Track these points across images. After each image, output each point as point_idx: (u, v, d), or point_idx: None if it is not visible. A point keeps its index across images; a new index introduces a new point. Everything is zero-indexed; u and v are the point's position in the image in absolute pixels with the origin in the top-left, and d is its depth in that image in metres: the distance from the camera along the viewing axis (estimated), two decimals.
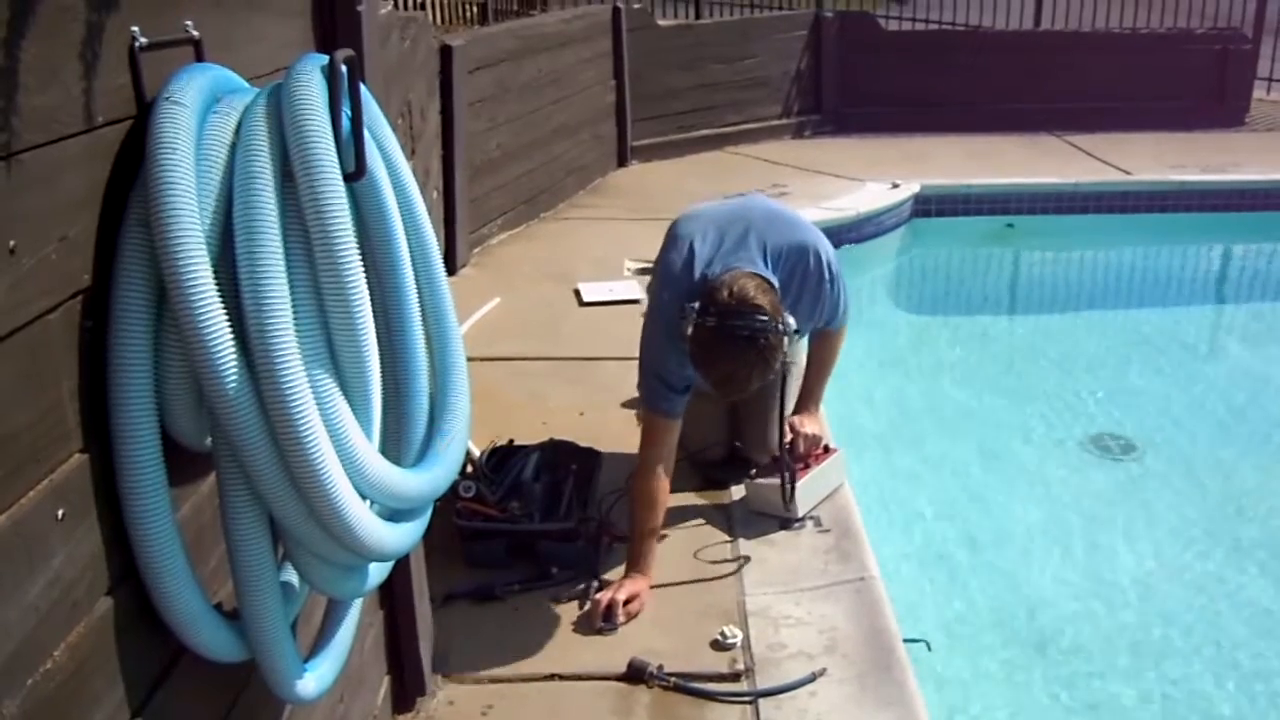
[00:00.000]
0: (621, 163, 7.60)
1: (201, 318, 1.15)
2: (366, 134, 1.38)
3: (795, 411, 3.33)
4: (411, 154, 3.92)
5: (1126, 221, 7.30)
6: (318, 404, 1.25)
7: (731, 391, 2.87)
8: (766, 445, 3.32)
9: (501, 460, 3.21)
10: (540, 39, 6.50)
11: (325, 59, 1.32)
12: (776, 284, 2.87)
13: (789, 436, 3.21)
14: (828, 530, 3.11)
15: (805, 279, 3.00)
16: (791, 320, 2.81)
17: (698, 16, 9.42)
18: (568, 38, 6.80)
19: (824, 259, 3.03)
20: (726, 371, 2.75)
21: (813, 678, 2.49)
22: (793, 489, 3.12)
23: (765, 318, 2.70)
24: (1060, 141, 8.56)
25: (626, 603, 2.75)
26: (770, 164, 7.70)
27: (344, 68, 1.31)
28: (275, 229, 1.22)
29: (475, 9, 7.51)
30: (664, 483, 2.92)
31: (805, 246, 3.00)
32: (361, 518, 1.32)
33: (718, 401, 3.22)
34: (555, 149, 6.68)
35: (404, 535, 1.47)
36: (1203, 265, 7.56)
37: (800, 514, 3.16)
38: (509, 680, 2.55)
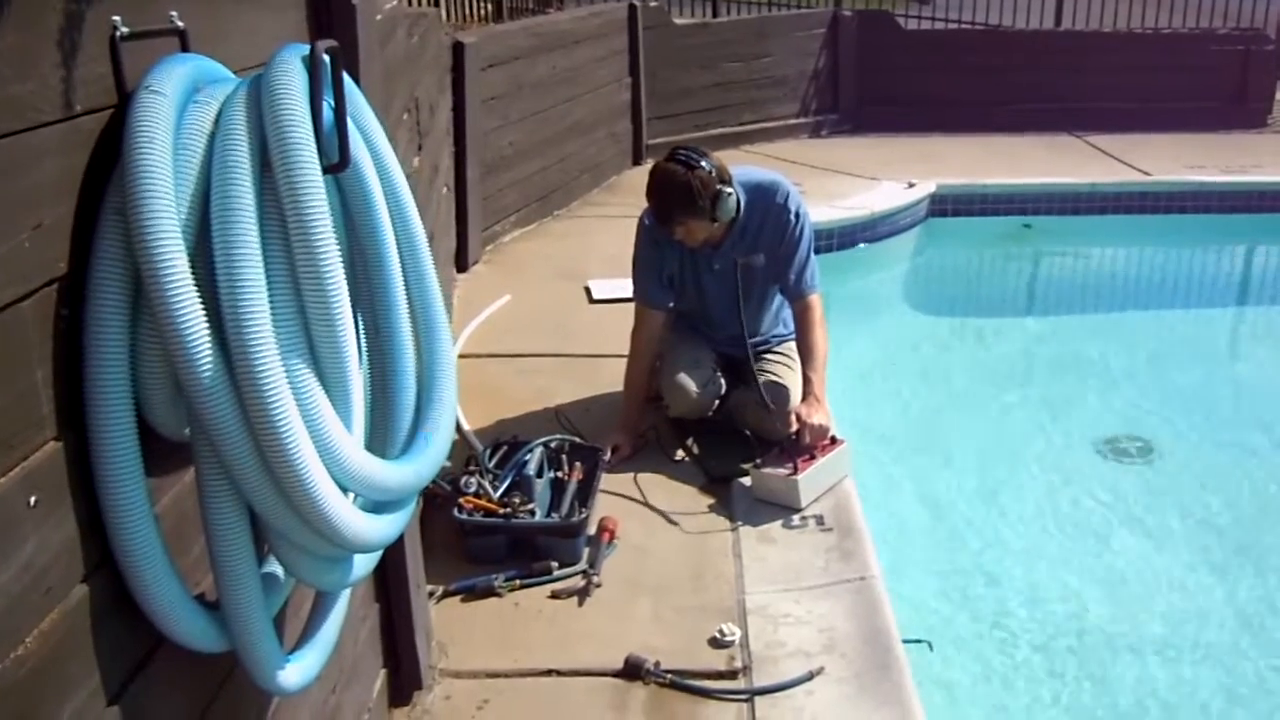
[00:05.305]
0: (636, 161, 7.57)
1: (177, 307, 1.15)
2: (350, 125, 1.38)
3: (800, 402, 3.37)
4: (419, 150, 3.92)
5: (1145, 222, 7.25)
6: (294, 395, 1.24)
7: (662, 210, 3.35)
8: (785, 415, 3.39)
9: (505, 456, 3.22)
10: (555, 36, 6.49)
11: (307, 48, 1.32)
12: (744, 193, 3.39)
13: (794, 426, 3.24)
14: (830, 529, 3.10)
15: (769, 208, 3.45)
16: (732, 190, 3.30)
17: (714, 14, 9.37)
18: (583, 35, 6.80)
19: (791, 196, 3.47)
20: (658, 182, 3.31)
21: (810, 676, 2.49)
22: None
23: (706, 161, 3.27)
24: (1079, 141, 8.51)
25: (615, 450, 3.42)
26: (786, 163, 7.66)
27: (326, 57, 1.31)
28: (252, 219, 1.21)
29: (489, 6, 7.51)
30: (644, 365, 3.61)
31: (776, 182, 3.50)
32: (340, 509, 1.31)
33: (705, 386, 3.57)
34: (569, 147, 6.68)
35: (386, 527, 1.47)
36: (1222, 267, 7.49)
37: (805, 504, 3.16)
38: (506, 675, 2.55)
